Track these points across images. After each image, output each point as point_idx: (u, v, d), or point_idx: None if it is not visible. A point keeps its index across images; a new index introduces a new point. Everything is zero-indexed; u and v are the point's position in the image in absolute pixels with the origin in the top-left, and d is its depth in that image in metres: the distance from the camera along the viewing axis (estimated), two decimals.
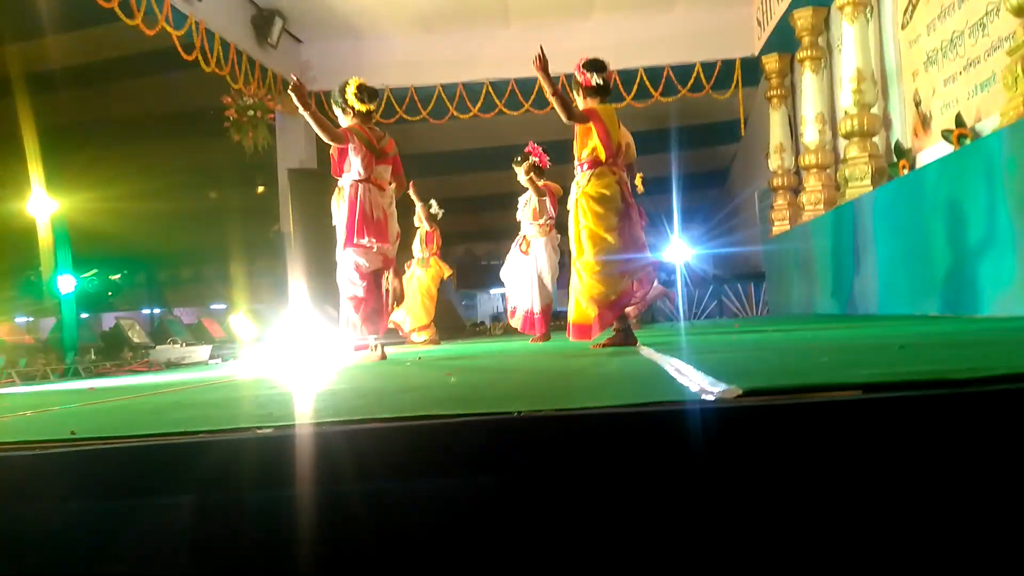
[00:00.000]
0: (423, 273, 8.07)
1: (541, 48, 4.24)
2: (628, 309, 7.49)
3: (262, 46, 9.47)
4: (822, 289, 8.30)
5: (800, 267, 9.20)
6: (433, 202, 8.28)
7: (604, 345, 4.23)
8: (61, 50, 8.11)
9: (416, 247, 8.17)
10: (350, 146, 4.46)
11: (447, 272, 8.36)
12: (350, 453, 1.55)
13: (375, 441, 1.56)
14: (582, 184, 4.23)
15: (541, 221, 6.87)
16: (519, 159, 6.81)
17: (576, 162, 4.32)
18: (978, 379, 1.39)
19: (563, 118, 4.17)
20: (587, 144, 4.23)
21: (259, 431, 1.64)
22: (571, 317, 4.31)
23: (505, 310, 8.42)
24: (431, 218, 8.15)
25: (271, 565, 1.51)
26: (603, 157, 4.19)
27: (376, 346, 4.57)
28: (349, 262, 4.48)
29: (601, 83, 4.32)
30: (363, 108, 4.59)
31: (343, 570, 1.47)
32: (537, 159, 6.78)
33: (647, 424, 1.39)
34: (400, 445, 1.54)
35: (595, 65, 4.36)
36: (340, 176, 4.55)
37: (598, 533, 1.36)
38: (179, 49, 7.73)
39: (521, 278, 6.96)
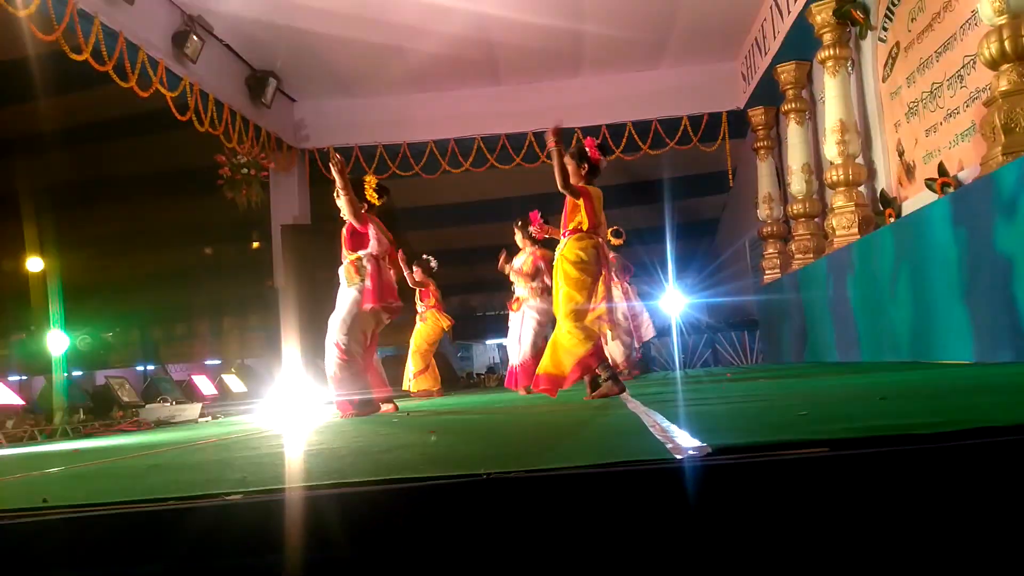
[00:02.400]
0: (421, 327, 8.53)
1: (558, 127, 4.72)
2: (618, 359, 7.60)
3: (256, 105, 9.62)
4: (812, 337, 8.31)
5: (791, 316, 9.22)
6: (431, 258, 8.68)
7: (595, 396, 4.57)
8: (56, 111, 8.23)
9: (419, 305, 8.61)
10: (371, 228, 5.05)
11: (446, 324, 8.69)
12: (320, 520, 1.53)
13: (343, 507, 1.54)
14: (562, 248, 4.74)
15: (533, 284, 7.05)
16: (520, 222, 7.09)
17: (563, 233, 4.82)
18: (943, 434, 1.39)
19: (559, 184, 4.63)
20: (573, 219, 4.73)
21: (228, 498, 1.63)
22: (540, 368, 4.72)
23: (501, 362, 8.62)
24: (427, 274, 8.54)
25: None
26: (585, 227, 4.70)
27: (369, 401, 4.84)
28: (357, 324, 4.93)
29: (597, 166, 4.87)
30: (378, 203, 5.24)
31: None
32: (535, 229, 7.04)
33: (614, 484, 1.38)
34: (368, 510, 1.53)
35: (602, 150, 4.96)
36: (351, 250, 5.05)
37: None
38: (173, 110, 7.85)
39: (511, 335, 7.18)
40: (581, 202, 4.67)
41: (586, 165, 4.79)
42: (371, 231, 5.03)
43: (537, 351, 6.85)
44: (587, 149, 4.83)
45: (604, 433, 2.30)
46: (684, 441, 1.69)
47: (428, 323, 8.51)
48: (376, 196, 5.22)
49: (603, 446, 1.90)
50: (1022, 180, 4.17)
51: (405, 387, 8.38)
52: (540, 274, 7.03)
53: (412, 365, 8.48)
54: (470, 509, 1.45)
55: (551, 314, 5.56)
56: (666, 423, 2.17)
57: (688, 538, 1.31)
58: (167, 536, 1.59)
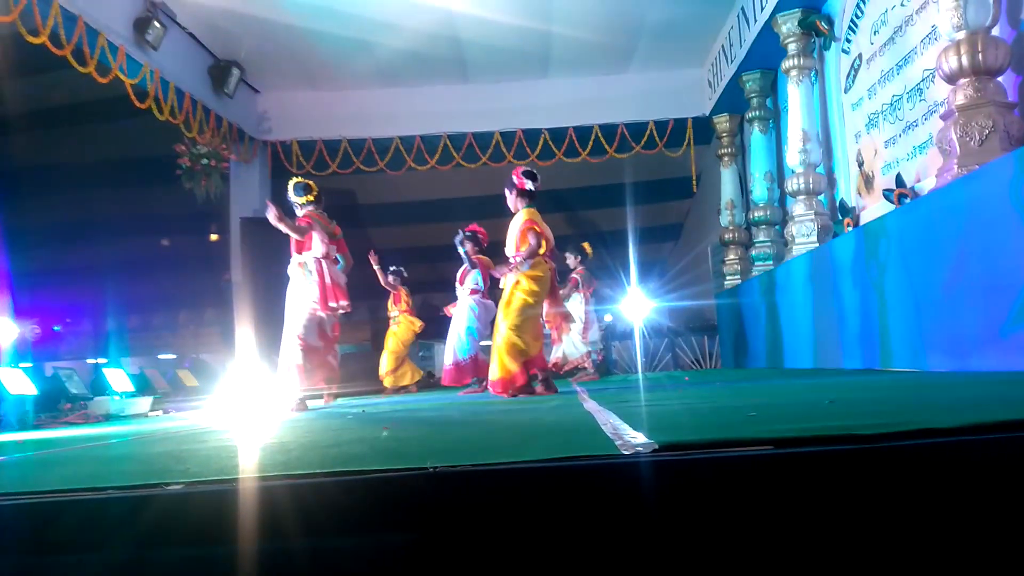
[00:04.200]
0: (396, 329, 9.13)
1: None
2: (582, 362, 7.89)
3: (218, 95, 9.46)
4: (769, 343, 8.41)
5: (750, 321, 9.32)
6: (402, 269, 9.24)
7: (529, 394, 5.14)
8: (10, 96, 8.01)
9: (391, 309, 9.21)
10: (313, 233, 5.27)
11: (418, 326, 9.32)
12: (261, 510, 1.50)
13: (287, 498, 1.51)
14: (523, 269, 5.21)
15: (471, 287, 7.60)
16: (462, 238, 7.67)
17: (512, 253, 5.30)
18: (885, 435, 1.40)
19: (530, 254, 5.18)
20: (526, 242, 5.19)
21: (168, 488, 1.59)
22: (493, 375, 5.19)
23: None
24: (399, 282, 9.15)
25: None
26: (542, 252, 5.24)
27: (326, 395, 4.95)
28: (315, 321, 5.18)
29: (533, 189, 5.39)
30: (313, 196, 5.49)
31: None
32: (481, 236, 7.72)
33: (559, 479, 1.37)
34: (313, 502, 1.50)
35: (530, 174, 5.44)
36: (300, 254, 5.31)
37: None
38: (132, 97, 7.68)
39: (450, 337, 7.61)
40: (541, 238, 5.22)
41: (515, 194, 5.37)
42: (314, 235, 5.24)
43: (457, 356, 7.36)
44: (515, 181, 5.41)
45: (556, 431, 2.29)
46: (633, 438, 1.68)
47: (402, 326, 9.12)
48: (312, 191, 5.52)
49: (553, 442, 1.89)
50: (976, 193, 4.26)
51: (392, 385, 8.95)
52: (475, 282, 7.62)
53: (386, 364, 9.04)
54: (416, 502, 1.43)
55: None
56: (618, 422, 2.17)
57: (634, 532, 1.31)
58: (103, 526, 1.55)
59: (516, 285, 5.19)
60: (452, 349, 7.44)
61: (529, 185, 5.38)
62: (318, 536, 1.47)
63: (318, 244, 5.22)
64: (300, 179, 5.65)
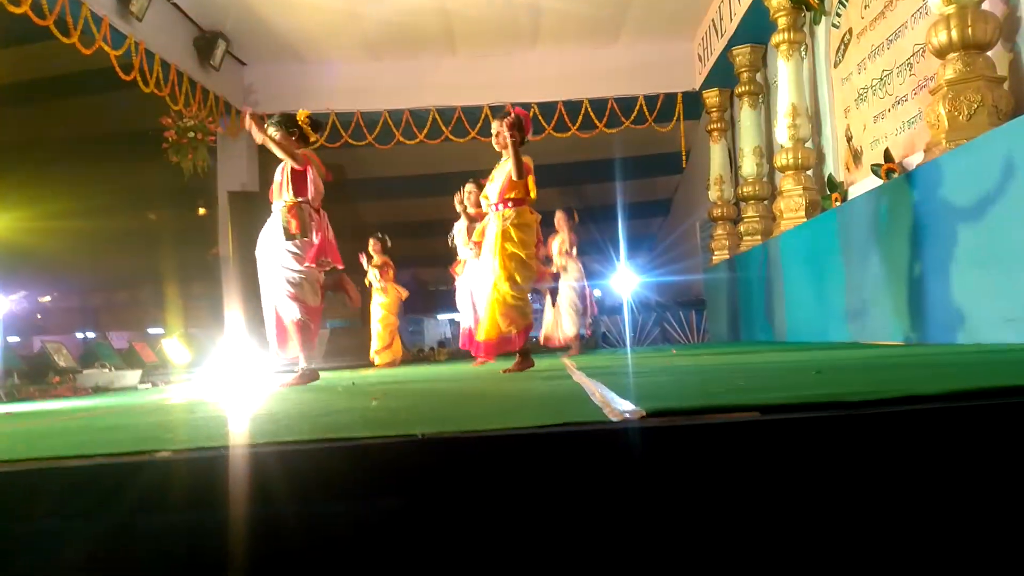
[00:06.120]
0: (384, 300, 8.81)
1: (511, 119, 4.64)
2: (569, 335, 7.67)
3: (204, 68, 9.35)
4: (757, 317, 8.46)
5: (737, 296, 9.37)
6: (385, 236, 8.94)
7: (512, 371, 4.61)
8: None
9: (373, 277, 8.87)
10: (309, 171, 4.53)
11: (404, 295, 9.08)
12: (250, 477, 1.51)
13: (278, 464, 1.52)
14: (509, 216, 4.63)
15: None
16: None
17: (496, 201, 4.72)
18: (870, 402, 1.42)
19: (515, 176, 4.57)
20: (512, 191, 4.64)
21: (157, 455, 1.59)
22: (481, 335, 4.66)
23: (452, 337, 8.76)
24: (383, 250, 8.87)
25: None
26: (533, 196, 4.69)
27: (312, 368, 4.57)
28: (312, 279, 4.52)
29: (527, 136, 4.82)
30: (314, 138, 4.78)
31: None
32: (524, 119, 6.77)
33: (549, 445, 1.38)
34: (302, 468, 1.51)
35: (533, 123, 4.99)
36: (295, 194, 4.49)
37: (498, 555, 1.34)
38: (117, 69, 7.58)
39: (462, 298, 7.21)
40: (531, 177, 4.67)
41: (518, 136, 4.68)
42: (310, 175, 4.52)
43: None
44: (522, 120, 4.75)
45: (545, 400, 2.30)
46: (621, 406, 1.70)
47: (389, 295, 8.84)
48: (312, 130, 4.77)
49: (542, 411, 1.90)
50: (964, 167, 4.28)
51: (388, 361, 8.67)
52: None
53: (378, 340, 8.75)
54: (405, 468, 1.44)
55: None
56: (607, 391, 2.18)
57: (622, 498, 1.32)
58: (91, 493, 1.55)
59: (504, 236, 4.60)
60: (472, 312, 6.95)
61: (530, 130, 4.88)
62: (307, 502, 1.48)
63: (314, 188, 4.53)
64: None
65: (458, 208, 7.27)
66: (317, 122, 4.86)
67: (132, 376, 6.43)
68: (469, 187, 7.11)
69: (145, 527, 1.50)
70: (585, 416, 1.63)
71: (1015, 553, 1.27)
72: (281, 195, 4.52)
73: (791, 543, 1.27)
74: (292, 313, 4.46)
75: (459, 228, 7.43)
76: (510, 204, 4.64)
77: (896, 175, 5.80)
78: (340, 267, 4.71)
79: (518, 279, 4.53)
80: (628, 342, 11.00)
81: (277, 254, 4.49)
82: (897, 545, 1.26)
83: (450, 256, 7.80)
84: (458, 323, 7.75)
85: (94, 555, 1.51)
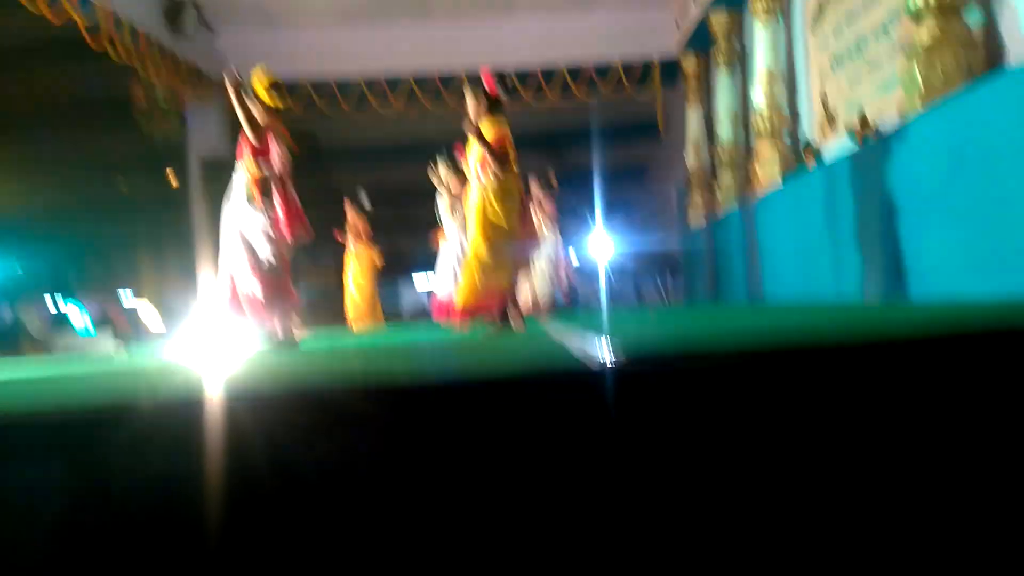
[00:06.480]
0: (357, 264, 8.71)
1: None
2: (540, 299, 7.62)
3: (174, 35, 9.17)
4: (732, 279, 8.55)
5: (713, 259, 9.45)
6: (364, 197, 8.81)
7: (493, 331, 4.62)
8: None
9: (350, 242, 8.73)
10: (272, 146, 4.49)
11: (380, 263, 8.92)
12: (225, 429, 1.51)
13: (252, 414, 1.53)
14: (488, 181, 4.59)
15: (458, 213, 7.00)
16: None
17: (475, 165, 4.67)
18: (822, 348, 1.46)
19: (489, 158, 4.55)
20: (494, 158, 4.57)
21: (137, 407, 1.60)
22: (460, 302, 4.65)
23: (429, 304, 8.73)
24: (360, 212, 8.74)
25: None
26: (513, 165, 4.63)
27: (287, 331, 4.56)
28: (272, 248, 4.46)
29: (501, 97, 4.72)
30: (277, 105, 4.61)
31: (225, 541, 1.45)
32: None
33: (529, 391, 1.43)
34: (273, 420, 1.52)
35: (500, 79, 4.77)
36: (256, 160, 4.48)
37: (477, 496, 1.38)
38: (86, 38, 7.41)
39: (443, 267, 7.19)
40: (508, 149, 4.64)
41: (484, 99, 4.64)
42: (272, 149, 4.46)
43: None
44: (483, 83, 4.68)
45: (524, 354, 2.34)
46: (600, 356, 1.75)
47: (363, 258, 8.74)
48: (273, 97, 4.56)
49: (521, 363, 1.93)
50: (938, 129, 4.33)
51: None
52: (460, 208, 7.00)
53: (355, 307, 8.71)
54: (385, 417, 1.46)
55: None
56: (586, 345, 2.22)
57: (600, 441, 1.38)
58: (68, 446, 1.55)
59: (485, 204, 4.59)
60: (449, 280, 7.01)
61: (500, 92, 4.72)
62: (280, 452, 1.49)
63: (278, 159, 4.48)
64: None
65: (438, 187, 7.28)
66: (280, 86, 4.67)
67: (106, 342, 6.38)
68: (442, 167, 7.14)
69: (123, 478, 1.50)
70: (563, 364, 1.67)
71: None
72: (245, 163, 4.50)
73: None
74: (252, 284, 4.43)
75: (441, 205, 7.43)
76: (491, 172, 4.59)
77: (872, 139, 5.86)
78: (310, 238, 4.66)
79: (498, 246, 4.53)
80: (605, 306, 11.06)
81: (240, 223, 4.47)
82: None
83: (429, 224, 7.80)
84: (433, 293, 7.72)
85: (73, 505, 1.52)
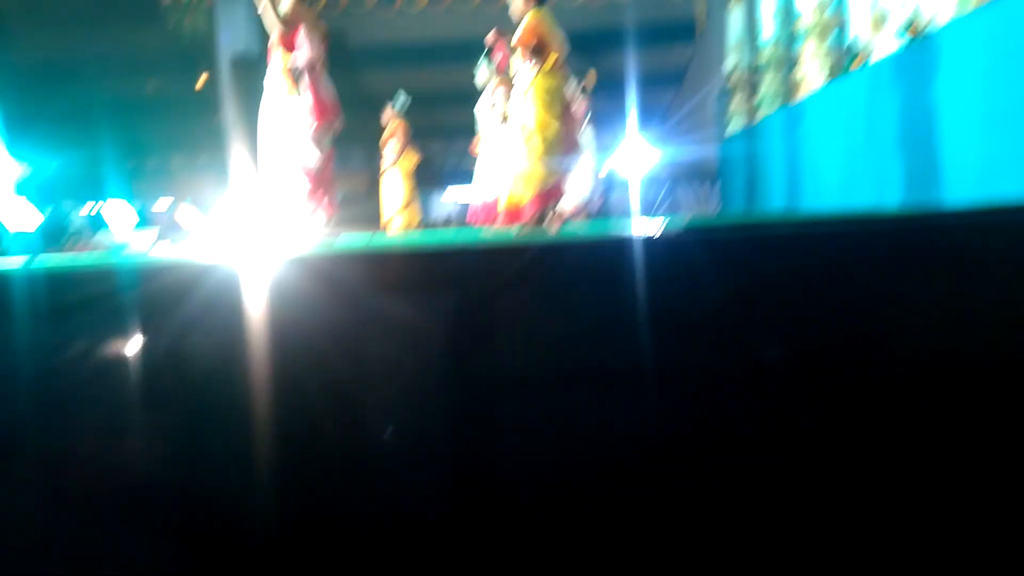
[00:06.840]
0: (398, 163, 8.65)
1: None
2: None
3: None
4: (775, 188, 8.38)
5: (754, 167, 9.25)
6: (403, 95, 8.71)
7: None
8: None
9: (390, 144, 8.70)
10: (300, 31, 4.35)
11: (416, 158, 8.85)
12: (319, 280, 1.77)
13: (345, 268, 1.62)
14: (533, 73, 4.41)
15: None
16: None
17: (520, 56, 4.51)
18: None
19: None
20: (536, 47, 4.41)
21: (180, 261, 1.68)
22: (505, 202, 4.57)
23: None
24: (399, 113, 8.68)
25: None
26: (556, 55, 4.42)
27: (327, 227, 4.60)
28: (316, 137, 4.41)
29: None
30: None
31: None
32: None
33: (602, 252, 1.47)
34: (377, 270, 1.61)
35: None
36: (288, 50, 4.37)
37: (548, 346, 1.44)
38: None
39: (482, 172, 7.14)
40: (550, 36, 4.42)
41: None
42: (300, 34, 4.36)
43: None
44: None
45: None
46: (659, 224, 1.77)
47: (404, 160, 8.70)
48: None
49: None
50: (989, 29, 4.12)
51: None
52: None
53: (397, 202, 8.67)
54: (465, 271, 1.52)
55: None
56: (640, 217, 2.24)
57: (671, 303, 1.42)
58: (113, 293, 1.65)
59: (528, 97, 4.39)
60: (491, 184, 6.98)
61: None
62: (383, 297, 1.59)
63: (308, 46, 4.35)
64: None
65: (481, 87, 7.01)
66: None
67: (147, 237, 6.48)
68: (484, 67, 6.93)
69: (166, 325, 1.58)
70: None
71: None
72: (279, 56, 4.38)
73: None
74: (297, 175, 4.41)
75: (483, 108, 7.23)
76: (534, 62, 4.42)
77: (921, 38, 5.60)
78: (340, 124, 4.56)
79: (540, 145, 4.38)
80: (638, 214, 10.96)
81: (277, 118, 4.40)
82: None
83: (461, 128, 7.68)
84: (467, 202, 7.73)
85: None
